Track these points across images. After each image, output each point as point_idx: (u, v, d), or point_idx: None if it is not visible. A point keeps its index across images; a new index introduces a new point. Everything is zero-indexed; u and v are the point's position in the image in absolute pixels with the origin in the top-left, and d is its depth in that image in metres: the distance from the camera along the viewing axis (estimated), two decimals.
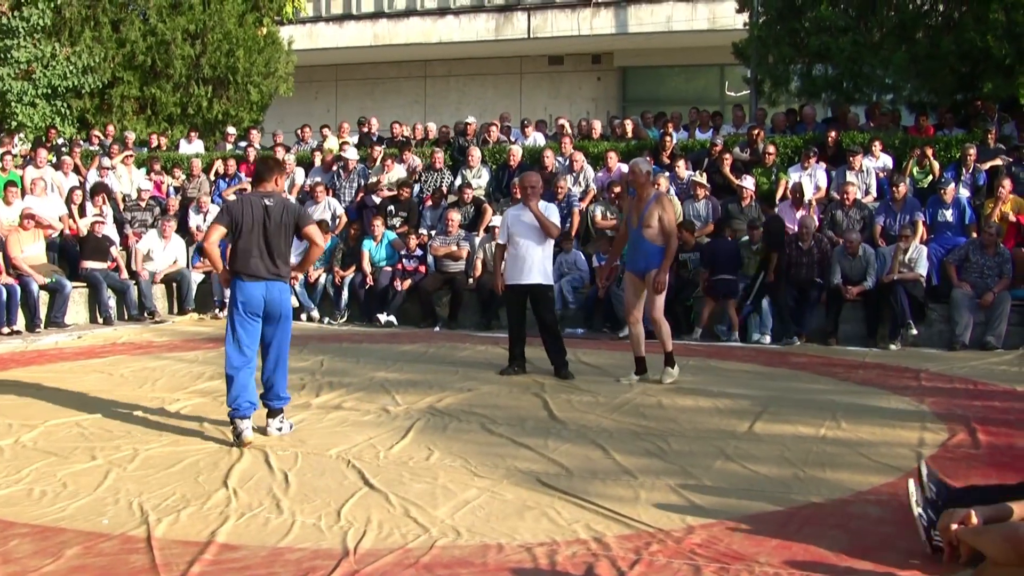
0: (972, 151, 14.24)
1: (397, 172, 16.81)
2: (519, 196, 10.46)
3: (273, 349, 7.33)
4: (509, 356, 10.15)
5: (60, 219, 15.42)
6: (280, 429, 7.31)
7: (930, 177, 14.37)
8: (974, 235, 13.10)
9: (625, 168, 15.37)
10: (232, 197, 16.99)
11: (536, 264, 9.83)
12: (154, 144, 20.31)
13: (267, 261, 7.18)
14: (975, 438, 7.15)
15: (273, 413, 7.34)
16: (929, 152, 14.56)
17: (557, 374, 9.86)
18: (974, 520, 4.13)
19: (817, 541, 4.83)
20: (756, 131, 15.92)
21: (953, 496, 4.82)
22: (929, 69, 15.96)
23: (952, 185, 13.56)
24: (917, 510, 4.66)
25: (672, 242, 9.27)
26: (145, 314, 14.91)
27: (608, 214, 14.86)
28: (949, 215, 13.42)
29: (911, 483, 4.75)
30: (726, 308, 13.09)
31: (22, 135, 18.93)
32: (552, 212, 10.00)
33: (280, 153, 17.93)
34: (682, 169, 15.11)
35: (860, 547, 4.76)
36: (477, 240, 14.87)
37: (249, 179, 17.27)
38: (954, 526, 4.18)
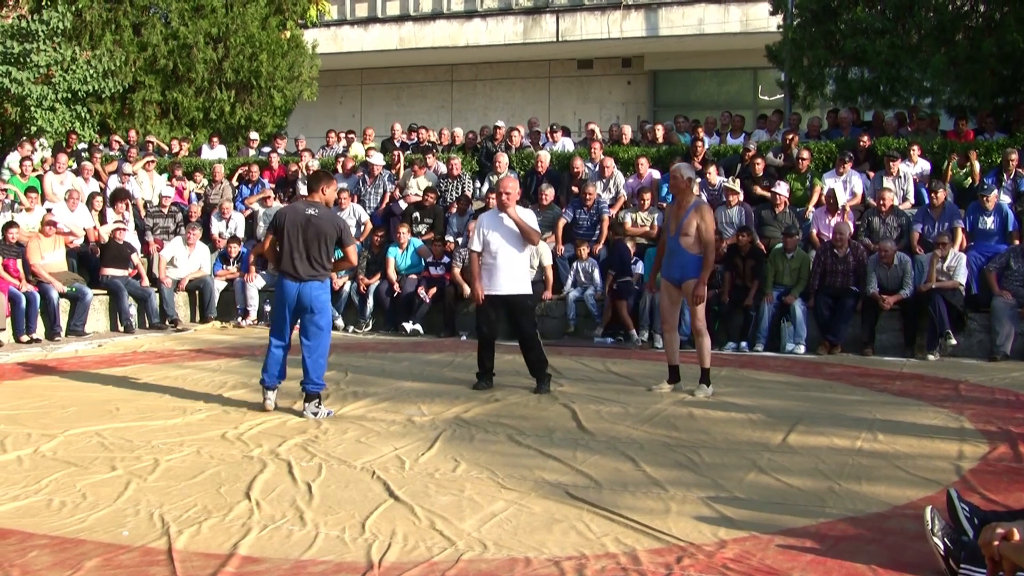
0: (1014, 156, 14.02)
1: (426, 177, 16.76)
2: (494, 203, 10.15)
3: (307, 339, 8.34)
4: (479, 370, 9.74)
5: (85, 230, 15.39)
6: (315, 414, 8.17)
7: (969, 180, 14.16)
8: (1016, 242, 12.88)
9: (656, 174, 15.32)
10: (256, 205, 17.10)
11: (514, 273, 9.50)
12: (175, 149, 20.30)
13: (303, 263, 8.25)
14: (1017, 451, 6.99)
15: (308, 397, 8.28)
16: (972, 155, 14.35)
17: (537, 389, 9.44)
18: (1016, 536, 4.03)
19: (853, 557, 4.72)
20: (790, 136, 15.75)
21: (988, 519, 4.70)
22: (969, 72, 15.79)
23: (995, 192, 13.31)
24: (933, 539, 4.54)
25: (710, 252, 9.10)
26: (167, 322, 14.88)
27: (639, 221, 14.72)
28: (990, 222, 13.18)
29: (927, 512, 4.62)
30: (620, 310, 13.28)
31: (42, 140, 18.94)
32: (530, 217, 9.69)
33: (305, 159, 17.89)
34: (713, 175, 14.94)
35: (898, 563, 4.65)
36: None
37: (272, 185, 17.34)
38: (996, 542, 4.09)
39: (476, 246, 9.66)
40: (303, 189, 16.90)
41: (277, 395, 8.55)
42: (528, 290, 9.73)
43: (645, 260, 13.90)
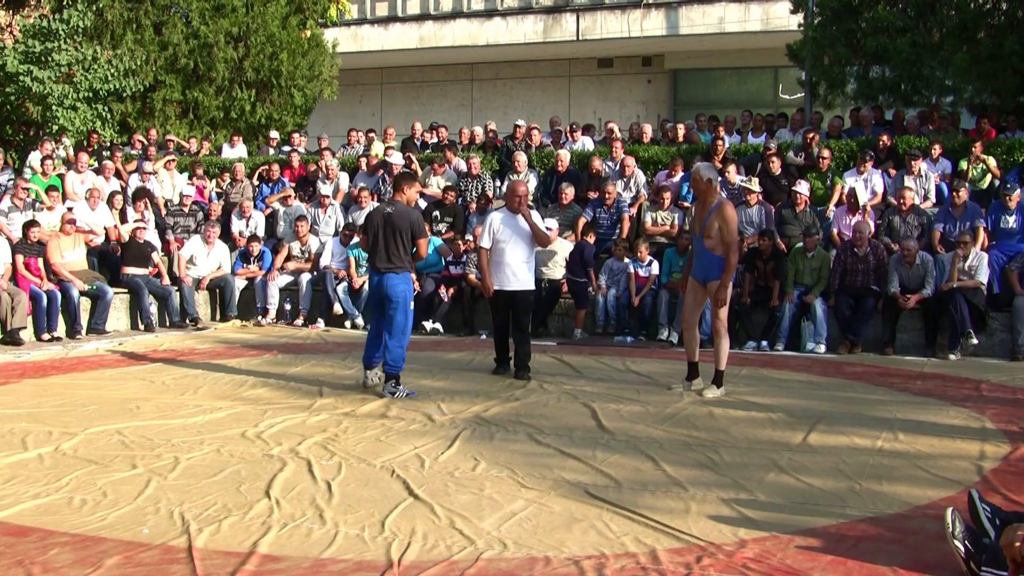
0: None
1: (445, 176, 16.75)
2: (507, 204, 10.52)
3: (388, 325, 9.21)
4: (496, 357, 10.51)
5: (105, 229, 15.45)
6: (392, 393, 9.03)
7: (988, 177, 14.07)
8: None
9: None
10: (276, 204, 17.14)
11: (521, 270, 10.12)
12: (194, 148, 20.34)
13: (382, 258, 9.20)
14: None
15: (387, 378, 9.17)
16: (977, 148, 14.26)
17: (516, 374, 10.16)
18: None
19: (874, 557, 4.72)
20: (811, 135, 15.69)
21: (1009, 519, 4.68)
22: (991, 70, 15.69)
23: (1017, 191, 13.20)
24: (954, 542, 4.51)
25: (732, 254, 9.05)
26: (187, 320, 14.91)
27: (659, 220, 14.69)
28: (1012, 221, 13.04)
29: (948, 514, 4.59)
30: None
31: (63, 139, 19.01)
32: (540, 219, 10.40)
33: (327, 158, 17.91)
34: (732, 174, 14.88)
35: (919, 564, 4.64)
36: None
37: (292, 184, 17.37)
38: (1018, 543, 4.09)
39: (485, 243, 10.26)
40: (324, 188, 16.91)
41: (374, 374, 9.46)
42: (532, 287, 10.37)
43: (663, 260, 13.86)
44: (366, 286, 14.91)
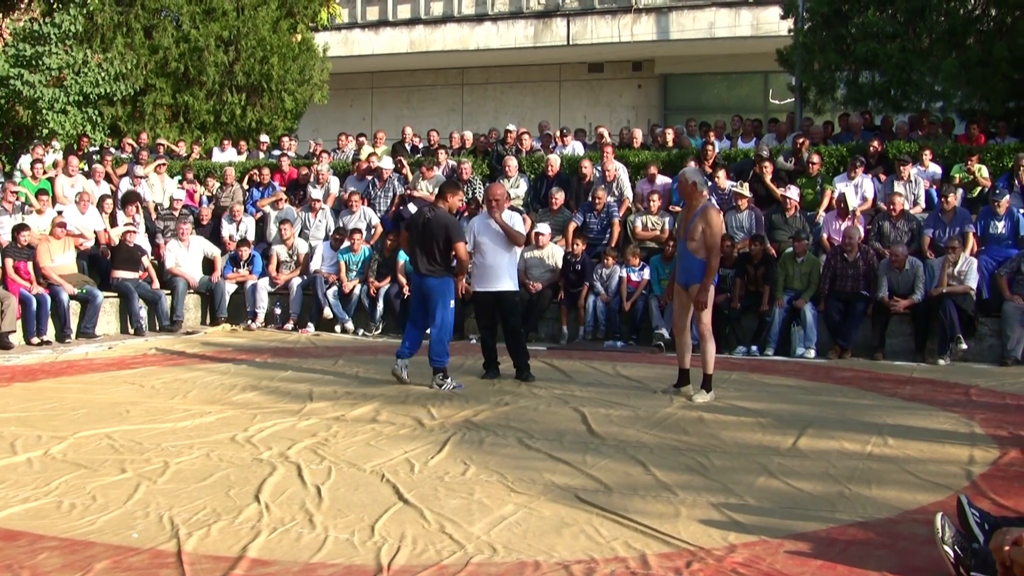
0: None
1: (435, 179, 16.74)
2: (484, 207, 10.75)
3: (432, 323, 9.91)
4: (484, 362, 10.67)
5: (95, 232, 15.41)
6: (440, 385, 9.74)
7: (978, 188, 14.10)
8: None
9: (667, 180, 15.25)
10: (267, 208, 17.12)
11: (503, 271, 10.31)
12: (185, 152, 20.31)
13: (423, 261, 9.85)
14: None
15: (434, 372, 9.88)
16: (973, 160, 14.30)
17: (518, 376, 10.37)
18: None
19: (863, 562, 4.72)
20: (801, 140, 15.71)
21: (998, 524, 4.69)
22: (980, 76, 15.73)
23: (1007, 197, 13.24)
24: (944, 547, 4.52)
25: (713, 257, 9.07)
26: (172, 319, 14.91)
27: (649, 224, 14.69)
28: (1001, 227, 13.12)
29: (938, 519, 4.60)
30: None
31: (54, 143, 18.98)
32: (517, 221, 10.53)
33: (324, 161, 17.89)
34: (722, 179, 14.91)
35: (908, 568, 4.65)
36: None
37: (283, 188, 17.37)
38: (1007, 547, 4.11)
39: (468, 247, 10.34)
40: (314, 192, 16.89)
41: (403, 364, 10.06)
42: (515, 287, 10.58)
43: (651, 266, 13.87)
44: (356, 290, 14.93)
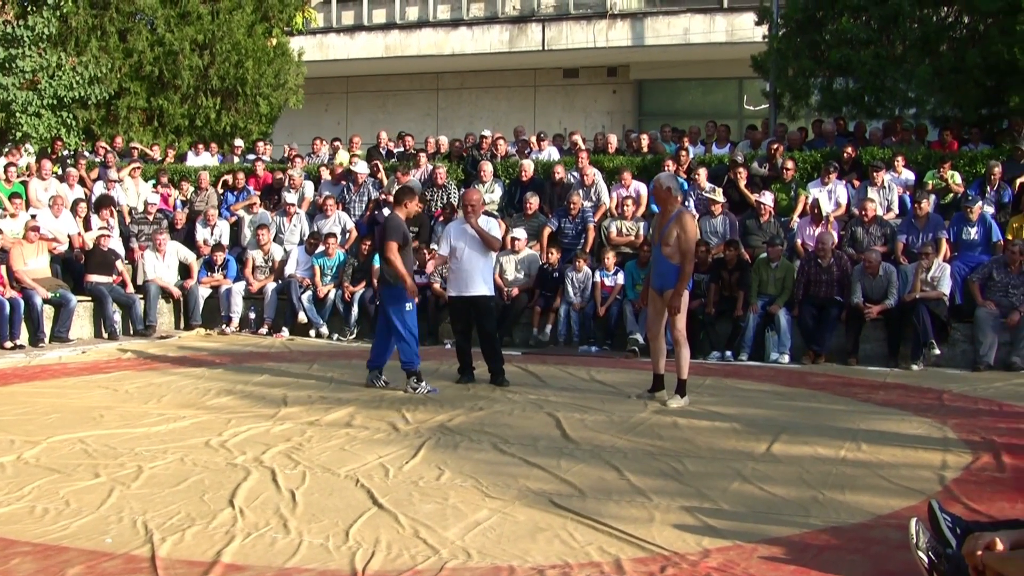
0: (997, 168, 14.11)
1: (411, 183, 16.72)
2: (460, 212, 10.98)
3: (393, 333, 10.06)
4: (459, 367, 10.69)
5: (69, 236, 15.33)
6: (415, 389, 9.81)
7: (951, 194, 14.17)
8: (999, 253, 12.89)
9: (643, 187, 15.26)
10: (241, 212, 17.06)
11: (479, 276, 10.34)
12: (159, 156, 20.23)
13: (381, 267, 10.09)
14: (1000, 461, 7.01)
15: (407, 375, 9.97)
16: (946, 167, 14.39)
17: (492, 381, 10.39)
18: (1000, 546, 4.06)
19: (836, 567, 4.75)
20: (775, 146, 15.77)
21: (970, 529, 4.71)
22: (953, 83, 15.78)
23: (979, 203, 13.34)
24: (918, 553, 4.54)
25: (687, 262, 9.09)
26: (146, 324, 14.85)
27: (624, 230, 14.72)
28: (974, 233, 13.20)
29: (912, 524, 4.62)
30: None
31: (27, 146, 18.86)
32: (493, 226, 10.63)
33: (299, 165, 17.86)
34: (703, 179, 14.94)
35: (881, 573, 4.69)
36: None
37: (258, 193, 17.31)
38: (979, 552, 4.12)
39: (444, 251, 10.58)
40: (289, 196, 16.84)
41: (374, 375, 10.35)
42: (491, 292, 10.66)
43: (626, 271, 13.89)
44: (331, 295, 14.90)
